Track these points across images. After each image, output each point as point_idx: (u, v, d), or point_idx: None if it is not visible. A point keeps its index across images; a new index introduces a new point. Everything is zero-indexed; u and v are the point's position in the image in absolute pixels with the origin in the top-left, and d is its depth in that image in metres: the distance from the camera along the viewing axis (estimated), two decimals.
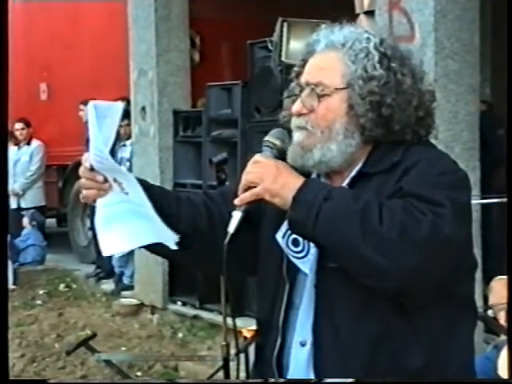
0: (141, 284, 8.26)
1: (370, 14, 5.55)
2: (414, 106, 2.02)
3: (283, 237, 2.07)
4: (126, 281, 8.81)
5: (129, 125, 8.48)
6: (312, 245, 2.00)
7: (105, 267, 9.22)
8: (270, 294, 2.11)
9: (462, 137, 5.20)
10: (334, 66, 2.04)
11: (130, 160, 8.57)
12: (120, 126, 8.13)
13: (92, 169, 2.01)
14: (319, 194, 1.91)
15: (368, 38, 2.04)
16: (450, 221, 1.87)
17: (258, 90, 6.76)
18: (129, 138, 8.60)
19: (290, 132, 2.10)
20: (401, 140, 2.03)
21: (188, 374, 6.19)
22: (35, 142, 10.86)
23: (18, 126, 10.65)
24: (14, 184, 10.41)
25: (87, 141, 2.02)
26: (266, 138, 2.11)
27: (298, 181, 1.96)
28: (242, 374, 2.35)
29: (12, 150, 10.46)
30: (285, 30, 6.35)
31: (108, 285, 9.07)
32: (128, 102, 8.38)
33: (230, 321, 2.08)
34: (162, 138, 7.96)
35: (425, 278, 1.88)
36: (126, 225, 2.03)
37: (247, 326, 4.06)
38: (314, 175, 2.08)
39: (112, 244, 2.04)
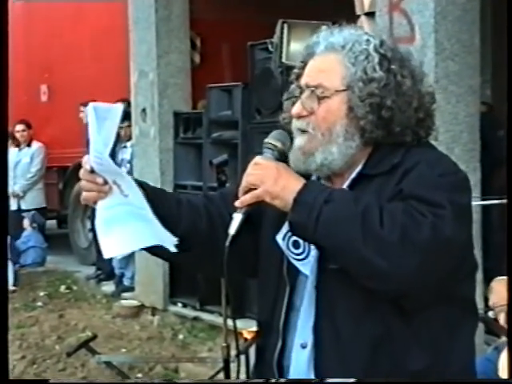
0: (141, 285, 8.25)
1: (370, 15, 5.56)
2: (413, 107, 2.02)
3: (283, 239, 2.07)
4: (126, 282, 8.80)
5: (129, 126, 8.48)
6: (312, 247, 2.00)
7: (105, 269, 9.22)
8: (271, 295, 2.11)
9: (462, 138, 5.21)
10: (333, 68, 2.04)
11: (130, 161, 8.57)
12: (120, 127, 8.14)
13: (92, 171, 2.01)
14: (320, 197, 1.91)
15: (368, 40, 2.04)
16: (451, 222, 1.87)
17: (259, 91, 6.77)
18: (129, 139, 8.60)
19: (290, 134, 2.10)
20: (401, 142, 2.03)
21: (188, 376, 6.19)
22: (36, 144, 10.86)
23: (19, 127, 10.65)
24: (15, 186, 10.41)
25: (87, 142, 2.02)
26: (267, 140, 2.11)
27: (298, 183, 1.96)
28: (243, 376, 2.35)
29: (12, 151, 10.47)
30: (285, 31, 6.36)
31: (108, 286, 9.07)
32: (128, 104, 8.39)
33: (230, 322, 2.08)
34: (163, 140, 7.96)
35: (425, 279, 1.88)
36: (126, 227, 2.03)
37: (248, 328, 4.07)
38: (313, 177, 2.09)
39: (113, 246, 2.05)
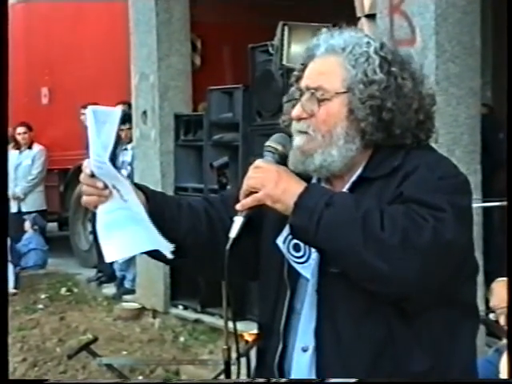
0: (142, 288, 8.25)
1: (371, 17, 5.56)
2: (414, 109, 2.02)
3: (284, 242, 2.06)
4: (127, 285, 8.80)
5: (130, 129, 8.48)
6: (313, 250, 2.00)
7: (106, 271, 9.21)
8: (271, 299, 2.11)
9: (463, 140, 5.21)
10: (334, 70, 2.04)
11: (131, 164, 8.57)
12: (121, 129, 8.14)
13: (93, 175, 2.01)
14: (320, 200, 1.91)
15: (368, 43, 2.04)
16: (451, 225, 1.87)
17: (260, 93, 6.77)
18: (130, 141, 8.60)
19: (291, 137, 2.09)
20: (401, 144, 2.02)
21: (189, 378, 6.18)
22: (37, 146, 10.86)
23: (20, 130, 10.65)
24: (16, 188, 10.41)
25: (88, 145, 2.02)
26: (268, 144, 2.10)
27: (299, 186, 1.96)
28: (243, 378, 2.35)
29: (13, 154, 10.47)
30: (286, 33, 6.37)
31: (109, 289, 9.07)
32: (129, 106, 8.41)
33: (231, 325, 2.08)
34: (163, 142, 7.96)
35: (426, 282, 1.88)
36: (125, 231, 2.04)
37: (249, 330, 4.07)
38: (314, 180, 2.09)
39: (114, 250, 2.05)
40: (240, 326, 2.12)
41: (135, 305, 8.22)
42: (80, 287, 9.44)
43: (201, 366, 6.10)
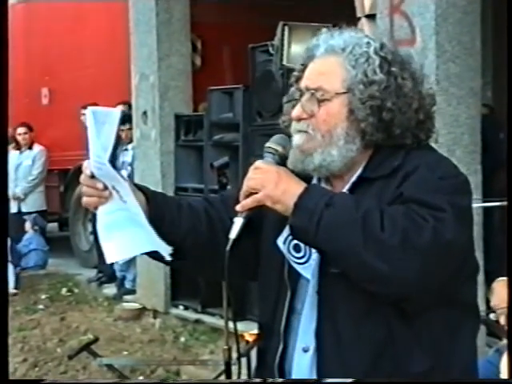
0: (143, 288, 8.25)
1: (371, 17, 5.56)
2: (414, 108, 2.02)
3: (284, 242, 2.06)
4: (127, 285, 8.80)
5: (130, 129, 8.48)
6: (313, 250, 2.00)
7: (107, 271, 9.22)
8: (272, 299, 2.11)
9: (463, 140, 5.21)
10: (334, 70, 2.04)
11: (131, 164, 8.57)
12: (121, 130, 8.14)
13: (93, 176, 2.02)
14: (320, 201, 1.91)
15: (368, 43, 2.04)
16: (452, 225, 1.87)
17: (260, 93, 6.77)
18: (130, 142, 8.60)
19: (290, 137, 2.09)
20: (401, 144, 2.02)
21: (190, 378, 6.18)
22: (37, 147, 10.86)
23: (21, 130, 10.66)
24: (16, 188, 10.41)
25: (88, 145, 2.02)
26: (268, 145, 2.10)
27: (299, 187, 1.96)
28: (244, 378, 2.35)
29: (14, 154, 10.47)
30: (286, 33, 6.37)
31: (110, 289, 9.07)
32: (129, 106, 8.41)
33: (231, 325, 2.08)
34: (164, 143, 7.96)
35: (426, 282, 1.88)
36: (125, 232, 2.04)
37: (249, 330, 4.07)
38: (314, 180, 2.08)
39: (114, 251, 2.06)
40: (240, 326, 2.12)
41: (136, 305, 8.22)
42: (80, 287, 9.44)
43: (201, 367, 6.10)
